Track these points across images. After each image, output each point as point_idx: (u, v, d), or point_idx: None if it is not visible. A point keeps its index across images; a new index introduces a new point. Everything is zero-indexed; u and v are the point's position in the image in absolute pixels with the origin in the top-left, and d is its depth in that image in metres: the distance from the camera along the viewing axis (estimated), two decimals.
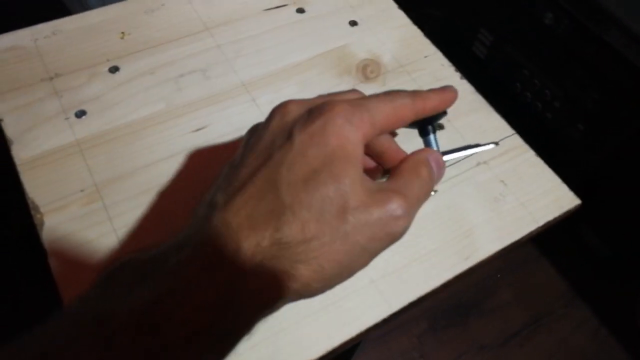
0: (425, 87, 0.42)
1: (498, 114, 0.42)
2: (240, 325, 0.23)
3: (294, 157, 0.24)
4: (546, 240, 1.22)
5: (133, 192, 0.34)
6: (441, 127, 0.40)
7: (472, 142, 0.40)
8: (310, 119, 0.24)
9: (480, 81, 0.50)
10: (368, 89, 0.42)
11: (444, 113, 0.32)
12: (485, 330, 1.13)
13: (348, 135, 0.24)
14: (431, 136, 0.33)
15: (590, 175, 1.00)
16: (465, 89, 0.43)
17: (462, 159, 0.39)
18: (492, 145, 0.33)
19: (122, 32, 0.42)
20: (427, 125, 0.33)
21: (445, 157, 0.33)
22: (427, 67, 0.44)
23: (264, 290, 0.23)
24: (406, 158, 0.28)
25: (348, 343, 0.32)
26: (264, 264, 0.23)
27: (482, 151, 0.39)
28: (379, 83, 0.43)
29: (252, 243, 0.23)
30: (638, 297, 1.10)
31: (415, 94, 0.28)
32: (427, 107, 0.28)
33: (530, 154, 0.40)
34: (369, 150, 0.29)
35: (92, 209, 0.33)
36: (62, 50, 0.40)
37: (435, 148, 0.33)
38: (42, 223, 0.32)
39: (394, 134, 0.39)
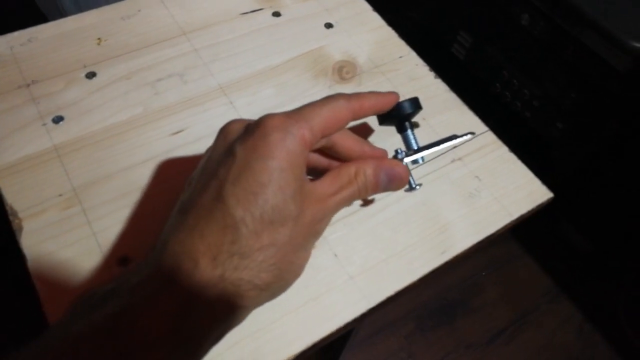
0: (400, 87, 0.43)
1: (472, 111, 0.43)
2: (202, 333, 0.24)
3: (238, 170, 0.25)
4: (530, 237, 1.24)
5: (112, 196, 0.35)
6: (416, 125, 0.41)
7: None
8: (250, 133, 0.26)
9: (460, 82, 0.51)
10: (344, 90, 0.43)
11: (419, 108, 0.33)
12: (471, 328, 1.14)
13: (289, 145, 0.25)
14: (408, 132, 0.34)
15: (571, 172, 1.01)
16: (439, 88, 0.44)
17: (443, 152, 0.39)
18: (469, 136, 0.34)
19: (99, 38, 0.42)
20: (403, 122, 0.34)
21: (425, 153, 0.33)
22: (402, 67, 0.45)
23: (225, 298, 0.24)
24: (349, 163, 0.29)
25: (328, 338, 0.32)
26: (224, 275, 0.24)
27: (459, 145, 0.40)
28: (354, 83, 0.43)
29: (209, 258, 0.24)
30: (620, 292, 1.12)
31: (351, 95, 0.29)
32: (365, 106, 0.30)
33: (503, 150, 0.41)
34: (328, 151, 0.30)
35: (71, 213, 0.34)
36: (39, 57, 0.41)
37: (413, 144, 0.34)
38: (20, 228, 0.32)
39: (370, 132, 0.40)
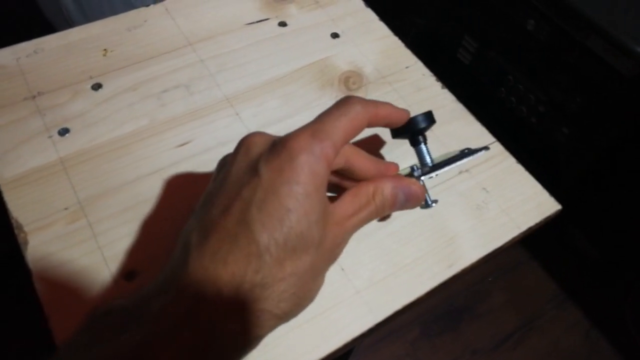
0: (407, 97, 0.43)
1: (479, 122, 0.43)
2: None
3: (264, 194, 0.24)
4: (536, 243, 1.23)
5: (118, 209, 0.35)
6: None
7: (453, 150, 0.40)
8: (276, 152, 0.25)
9: (465, 87, 0.51)
10: None
11: (432, 122, 0.33)
12: (477, 334, 1.13)
13: (315, 168, 0.25)
14: (422, 145, 0.34)
15: (577, 177, 1.01)
16: (446, 98, 0.44)
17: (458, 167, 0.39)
18: (483, 152, 0.34)
19: (105, 49, 0.42)
20: (417, 135, 0.33)
21: (441, 170, 0.33)
22: (409, 77, 0.45)
23: (247, 330, 0.24)
24: (367, 182, 0.29)
25: (335, 353, 0.32)
26: (247, 306, 0.23)
27: (473, 160, 0.39)
28: (361, 94, 0.43)
29: (232, 287, 0.23)
30: (627, 298, 1.11)
31: (367, 101, 0.29)
32: (380, 115, 0.29)
33: (511, 161, 0.41)
34: (345, 172, 0.30)
35: (77, 226, 0.33)
36: (45, 68, 0.41)
37: (427, 157, 0.34)
38: (26, 242, 0.32)
39: (382, 144, 0.40)
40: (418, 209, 0.37)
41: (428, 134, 0.40)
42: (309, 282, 0.26)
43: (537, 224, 0.38)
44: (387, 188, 0.29)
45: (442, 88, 0.44)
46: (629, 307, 1.11)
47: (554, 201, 0.39)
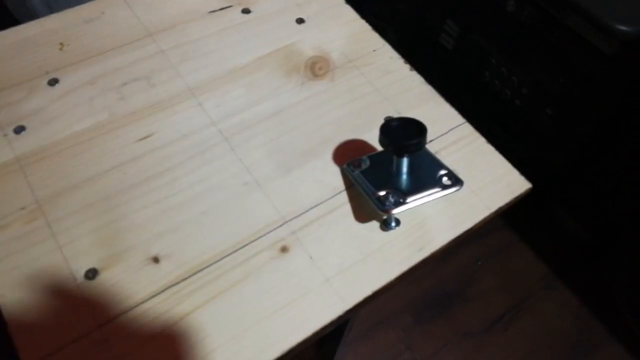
0: (375, 81, 0.42)
1: (448, 103, 0.42)
2: None
3: None
4: (524, 225, 1.23)
5: (77, 207, 0.34)
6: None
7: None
8: None
9: (449, 71, 0.50)
10: (317, 86, 0.42)
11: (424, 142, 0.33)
12: (469, 317, 1.14)
13: None
14: (404, 159, 0.34)
15: (563, 158, 1.01)
16: (415, 80, 0.43)
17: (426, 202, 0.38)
18: (456, 188, 0.34)
19: (61, 43, 0.41)
20: (404, 152, 0.34)
21: (410, 199, 0.34)
22: (376, 60, 0.44)
23: None
24: None
25: (305, 343, 0.32)
26: None
27: (442, 162, 0.39)
28: (327, 79, 0.42)
29: None
30: (616, 275, 1.12)
31: None
32: None
33: (481, 141, 0.40)
34: None
35: (35, 226, 0.33)
36: None
37: (404, 170, 0.34)
38: None
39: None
40: None
41: (398, 116, 0.40)
42: None
43: (507, 204, 0.37)
44: None
45: (411, 70, 0.44)
46: (618, 285, 1.11)
47: (524, 180, 0.38)
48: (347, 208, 0.36)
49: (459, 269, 1.20)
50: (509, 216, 0.37)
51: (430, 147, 0.39)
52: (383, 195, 0.33)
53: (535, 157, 0.95)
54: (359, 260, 0.34)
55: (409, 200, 0.33)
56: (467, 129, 0.41)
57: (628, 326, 1.08)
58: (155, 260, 0.32)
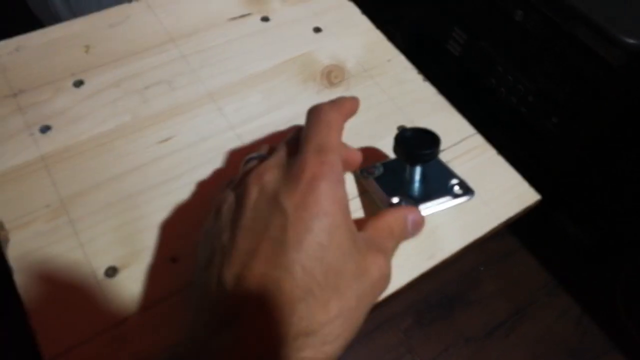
0: (389, 90, 0.43)
1: (460, 114, 0.43)
2: None
3: (296, 232, 0.22)
4: (527, 231, 1.24)
5: (99, 206, 0.35)
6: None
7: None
8: (294, 185, 0.24)
9: (456, 78, 0.51)
10: (333, 95, 0.43)
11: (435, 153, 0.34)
12: (470, 322, 1.14)
13: (336, 194, 0.24)
14: (417, 168, 0.35)
15: (567, 166, 1.01)
16: (428, 91, 0.44)
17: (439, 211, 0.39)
18: (468, 197, 0.35)
19: (86, 46, 0.42)
20: (418, 161, 0.35)
21: (422, 207, 0.34)
22: (390, 70, 0.45)
23: None
24: (384, 213, 0.29)
25: None
26: (288, 358, 0.21)
27: (456, 176, 0.40)
28: (343, 88, 0.43)
29: (275, 343, 0.21)
30: (618, 283, 1.12)
31: (333, 104, 0.29)
32: (347, 110, 0.30)
33: (491, 153, 0.41)
34: None
35: (58, 223, 0.34)
36: (26, 66, 0.41)
37: (417, 178, 0.35)
38: (7, 240, 0.32)
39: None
40: None
41: (410, 126, 0.41)
42: (356, 319, 0.23)
43: (516, 214, 0.38)
44: (411, 215, 0.30)
45: (424, 81, 0.45)
46: (620, 293, 1.12)
47: (533, 192, 0.39)
48: (360, 214, 0.37)
49: (461, 273, 1.21)
50: (512, 222, 0.38)
51: (442, 156, 0.40)
52: (396, 202, 0.34)
53: (539, 165, 0.96)
54: None
55: (421, 207, 0.34)
56: (479, 140, 0.42)
57: (630, 334, 1.09)
58: (173, 260, 0.33)
